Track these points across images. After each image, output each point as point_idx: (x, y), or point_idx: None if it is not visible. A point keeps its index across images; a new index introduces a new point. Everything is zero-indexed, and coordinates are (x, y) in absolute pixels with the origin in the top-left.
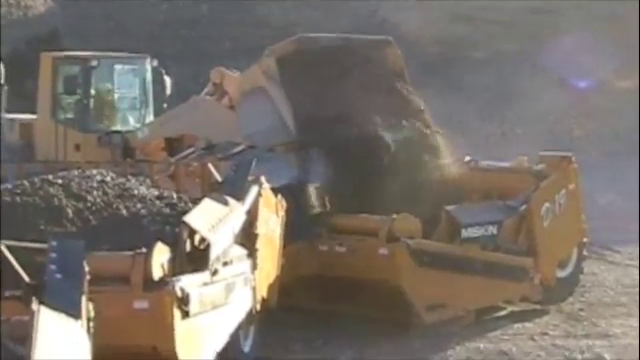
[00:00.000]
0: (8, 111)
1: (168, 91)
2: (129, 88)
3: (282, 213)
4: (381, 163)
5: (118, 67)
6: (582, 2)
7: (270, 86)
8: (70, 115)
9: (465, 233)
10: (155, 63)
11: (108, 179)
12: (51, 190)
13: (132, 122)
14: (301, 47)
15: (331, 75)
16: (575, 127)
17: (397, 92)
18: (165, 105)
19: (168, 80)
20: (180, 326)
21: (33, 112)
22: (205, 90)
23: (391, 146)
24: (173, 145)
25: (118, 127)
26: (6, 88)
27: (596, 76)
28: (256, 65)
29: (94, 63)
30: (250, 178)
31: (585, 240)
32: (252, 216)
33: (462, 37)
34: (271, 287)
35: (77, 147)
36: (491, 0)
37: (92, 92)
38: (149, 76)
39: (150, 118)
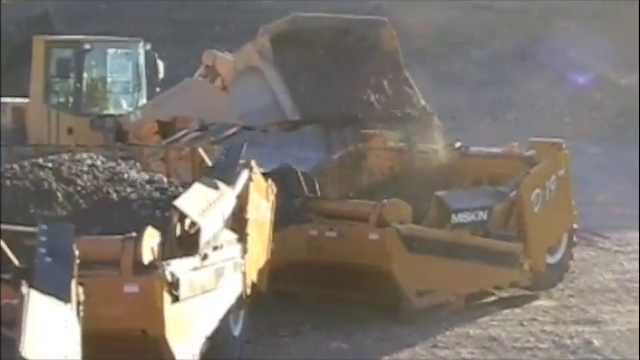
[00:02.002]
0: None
1: (161, 75)
2: (122, 72)
3: (272, 198)
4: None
5: (111, 51)
6: None
7: (264, 65)
8: (63, 99)
9: (455, 219)
10: (148, 47)
11: (98, 163)
12: (41, 174)
13: (125, 106)
14: (296, 26)
15: (325, 55)
16: (566, 114)
17: (391, 73)
18: (158, 89)
19: (161, 64)
20: (170, 310)
21: (24, 95)
22: (197, 72)
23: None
24: (166, 128)
25: (111, 111)
26: None
27: (589, 64)
28: (250, 44)
29: (87, 47)
30: (241, 162)
31: (575, 226)
32: (242, 201)
33: (454, 23)
34: (261, 272)
35: (70, 131)
36: None
37: (85, 76)
38: (142, 60)
39: (143, 102)
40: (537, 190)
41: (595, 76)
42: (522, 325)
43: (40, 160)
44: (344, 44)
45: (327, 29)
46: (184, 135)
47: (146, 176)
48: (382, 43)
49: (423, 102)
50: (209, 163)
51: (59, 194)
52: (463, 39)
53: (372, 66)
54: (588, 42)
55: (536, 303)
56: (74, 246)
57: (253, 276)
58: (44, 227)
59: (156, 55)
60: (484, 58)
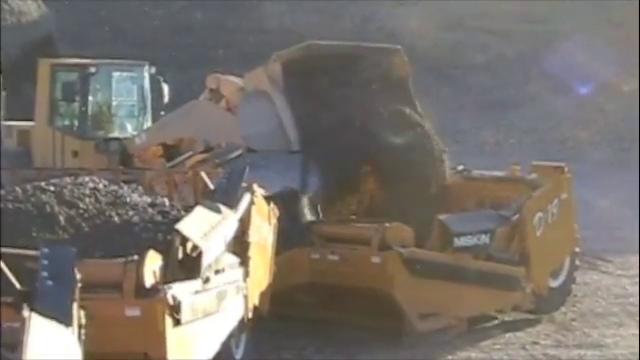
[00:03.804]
0: (4, 117)
1: (166, 99)
2: (127, 95)
3: (274, 221)
4: (377, 171)
5: (116, 74)
6: (576, 10)
7: (273, 91)
8: (68, 122)
9: (458, 242)
10: (153, 70)
11: (100, 186)
12: (43, 197)
13: (130, 129)
14: (309, 54)
15: (335, 83)
16: (569, 137)
17: (400, 100)
18: (163, 112)
19: (166, 87)
20: (171, 334)
21: (28, 118)
22: (202, 96)
23: (388, 156)
24: (171, 151)
25: (116, 134)
26: (4, 94)
27: (590, 85)
28: (262, 68)
29: (92, 70)
30: (243, 185)
31: (577, 250)
32: (244, 224)
33: (457, 45)
34: (263, 295)
35: (75, 154)
36: (486, 5)
37: (90, 99)
38: (147, 83)
39: (148, 125)
40: (539, 213)
41: (598, 95)
42: (524, 349)
43: (42, 183)
44: (356, 70)
45: (340, 57)
46: (189, 157)
47: (148, 199)
48: (394, 70)
49: (430, 129)
50: (211, 186)
51: (61, 217)
52: (466, 62)
53: (382, 94)
54: (591, 61)
55: (538, 327)
56: (76, 269)
57: (255, 299)
58: (46, 250)
59: (161, 79)
60: (487, 81)
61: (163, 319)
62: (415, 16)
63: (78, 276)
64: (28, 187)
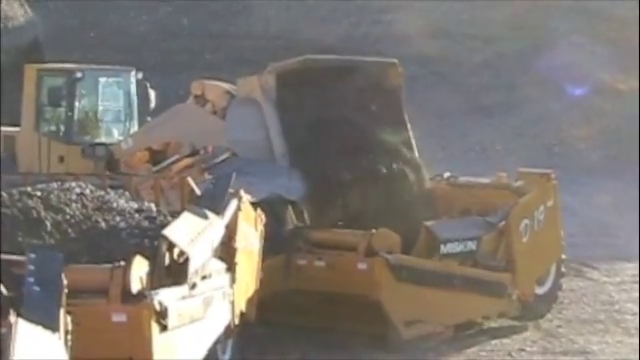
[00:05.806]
0: None
1: (152, 104)
2: (113, 100)
3: (261, 227)
4: (362, 179)
5: (103, 79)
6: (560, 17)
7: (265, 102)
8: (54, 127)
9: (444, 249)
10: (140, 76)
11: (87, 192)
12: (30, 202)
13: (116, 134)
14: (304, 67)
15: (327, 98)
16: (555, 144)
17: (390, 115)
18: (149, 118)
19: (152, 93)
20: (158, 339)
21: (13, 124)
22: (187, 102)
23: (374, 164)
24: (158, 156)
25: (102, 139)
26: None
27: (576, 91)
28: (255, 77)
29: (79, 75)
30: (230, 191)
31: (563, 257)
32: (231, 230)
33: (442, 51)
34: (249, 301)
35: (61, 159)
36: (470, 12)
37: (76, 104)
38: (134, 89)
39: (134, 131)
40: (526, 220)
41: (585, 102)
42: (510, 355)
43: (29, 189)
44: (349, 80)
45: (335, 69)
46: (175, 161)
47: (135, 205)
48: (387, 80)
49: (415, 154)
50: (198, 192)
51: (48, 223)
52: (451, 68)
53: (372, 104)
54: (576, 67)
55: (524, 334)
56: (62, 275)
57: (242, 305)
58: (32, 256)
59: (147, 84)
60: (472, 87)
61: (149, 325)
62: (400, 23)
63: (65, 282)
64: (14, 192)
